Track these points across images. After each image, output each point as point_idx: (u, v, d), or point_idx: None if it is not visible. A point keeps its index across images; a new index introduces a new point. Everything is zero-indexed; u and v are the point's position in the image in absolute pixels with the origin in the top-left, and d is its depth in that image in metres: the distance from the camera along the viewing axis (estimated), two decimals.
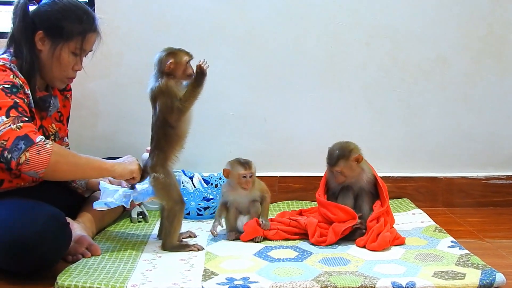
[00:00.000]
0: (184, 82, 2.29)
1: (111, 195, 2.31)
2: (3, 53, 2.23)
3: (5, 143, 2.00)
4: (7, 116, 2.03)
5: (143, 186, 2.33)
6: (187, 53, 2.30)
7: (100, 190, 2.35)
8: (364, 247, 2.32)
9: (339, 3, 2.98)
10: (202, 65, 2.24)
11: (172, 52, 2.27)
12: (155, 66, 2.28)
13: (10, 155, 2.00)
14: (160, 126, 2.26)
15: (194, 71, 2.28)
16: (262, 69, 3.02)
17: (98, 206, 2.29)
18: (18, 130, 2.02)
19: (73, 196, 2.49)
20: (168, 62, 2.24)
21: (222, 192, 2.51)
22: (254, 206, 2.47)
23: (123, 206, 2.33)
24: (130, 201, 2.31)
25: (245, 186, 2.43)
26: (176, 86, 2.26)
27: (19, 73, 2.16)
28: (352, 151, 2.44)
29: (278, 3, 2.98)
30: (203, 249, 2.31)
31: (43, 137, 2.05)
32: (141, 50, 2.91)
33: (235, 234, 2.45)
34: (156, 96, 2.26)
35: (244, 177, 2.42)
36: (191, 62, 2.30)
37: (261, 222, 2.43)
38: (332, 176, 2.50)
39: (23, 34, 2.21)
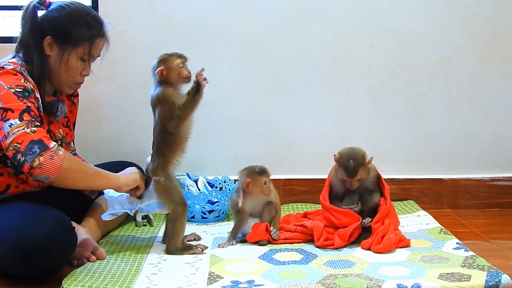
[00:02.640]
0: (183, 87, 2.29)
1: (117, 202, 2.32)
2: (12, 57, 2.24)
3: (18, 146, 2.00)
4: (21, 119, 2.03)
5: (151, 201, 2.32)
6: (179, 56, 2.29)
7: (106, 198, 2.37)
8: (369, 249, 2.32)
9: (344, 6, 2.98)
10: (199, 76, 2.22)
11: (162, 59, 2.28)
12: (151, 74, 2.29)
13: (23, 158, 1.99)
14: (159, 131, 2.28)
15: (190, 72, 2.28)
16: (266, 72, 3.02)
17: (106, 217, 2.32)
18: (32, 134, 2.01)
19: (79, 201, 2.49)
20: (158, 69, 2.25)
21: (236, 206, 2.44)
22: (267, 208, 2.46)
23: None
24: (135, 210, 2.33)
25: (268, 192, 2.43)
26: (174, 94, 2.27)
27: (29, 77, 2.16)
28: (364, 156, 2.45)
29: (283, 6, 2.98)
30: (206, 248, 2.32)
31: (56, 143, 2.06)
32: (146, 54, 2.89)
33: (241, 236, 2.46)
34: (155, 104, 2.28)
35: (265, 183, 2.42)
36: (186, 63, 2.29)
37: (271, 230, 2.42)
38: (339, 182, 2.50)
39: (32, 39, 2.22)
